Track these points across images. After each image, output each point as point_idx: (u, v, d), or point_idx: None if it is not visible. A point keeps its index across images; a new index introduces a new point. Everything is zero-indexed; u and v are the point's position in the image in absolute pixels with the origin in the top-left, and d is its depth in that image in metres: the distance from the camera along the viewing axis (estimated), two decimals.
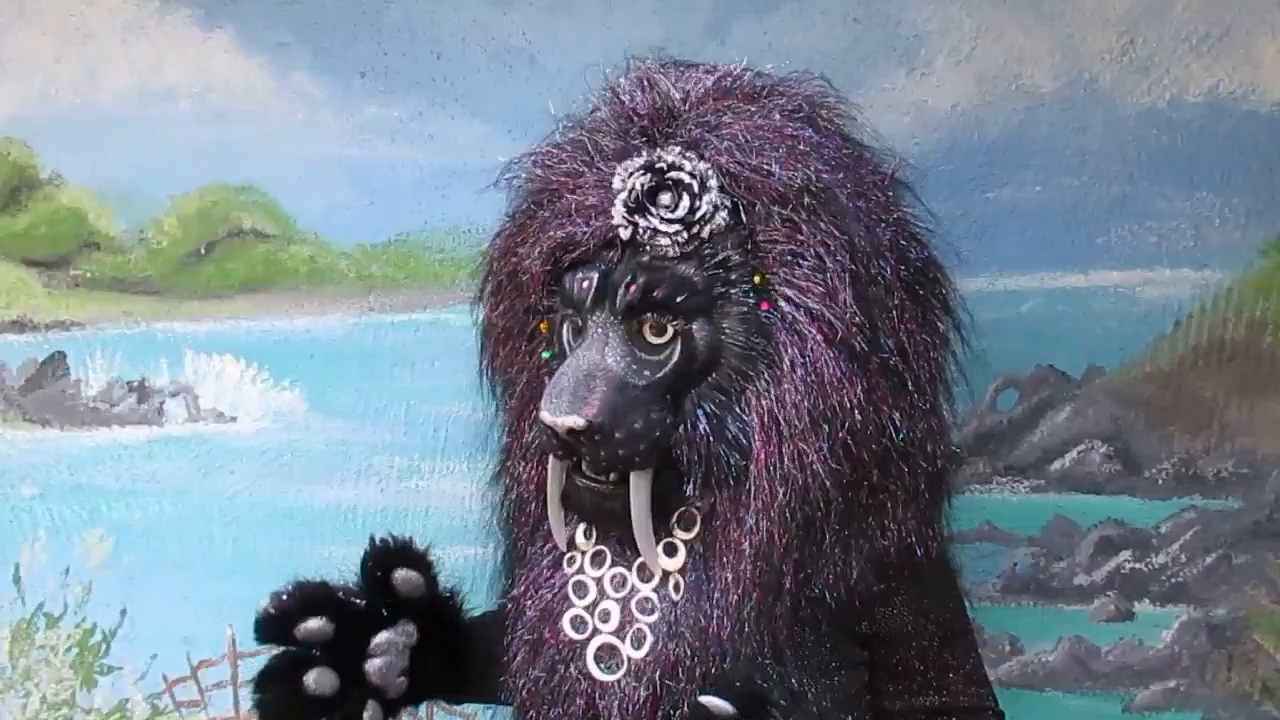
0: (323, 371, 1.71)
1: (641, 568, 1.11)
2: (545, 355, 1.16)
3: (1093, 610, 1.64)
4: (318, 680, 1.10)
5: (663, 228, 1.05)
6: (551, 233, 1.10)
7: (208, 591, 1.70)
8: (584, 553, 1.15)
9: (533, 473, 1.18)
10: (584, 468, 1.10)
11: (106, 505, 1.72)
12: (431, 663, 1.19)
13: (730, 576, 1.07)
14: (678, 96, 1.10)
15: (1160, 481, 1.63)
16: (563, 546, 1.15)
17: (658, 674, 1.08)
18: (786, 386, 1.06)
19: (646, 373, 1.07)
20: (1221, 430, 1.59)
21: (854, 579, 1.11)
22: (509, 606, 1.19)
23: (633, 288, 1.06)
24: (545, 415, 1.04)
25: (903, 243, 1.13)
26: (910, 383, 1.11)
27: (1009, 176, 1.60)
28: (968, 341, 1.21)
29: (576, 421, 1.03)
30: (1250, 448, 1.62)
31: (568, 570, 1.15)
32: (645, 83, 1.12)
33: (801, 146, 1.07)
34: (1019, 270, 1.61)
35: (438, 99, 1.66)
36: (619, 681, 1.09)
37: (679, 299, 1.06)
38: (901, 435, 1.10)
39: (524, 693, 1.14)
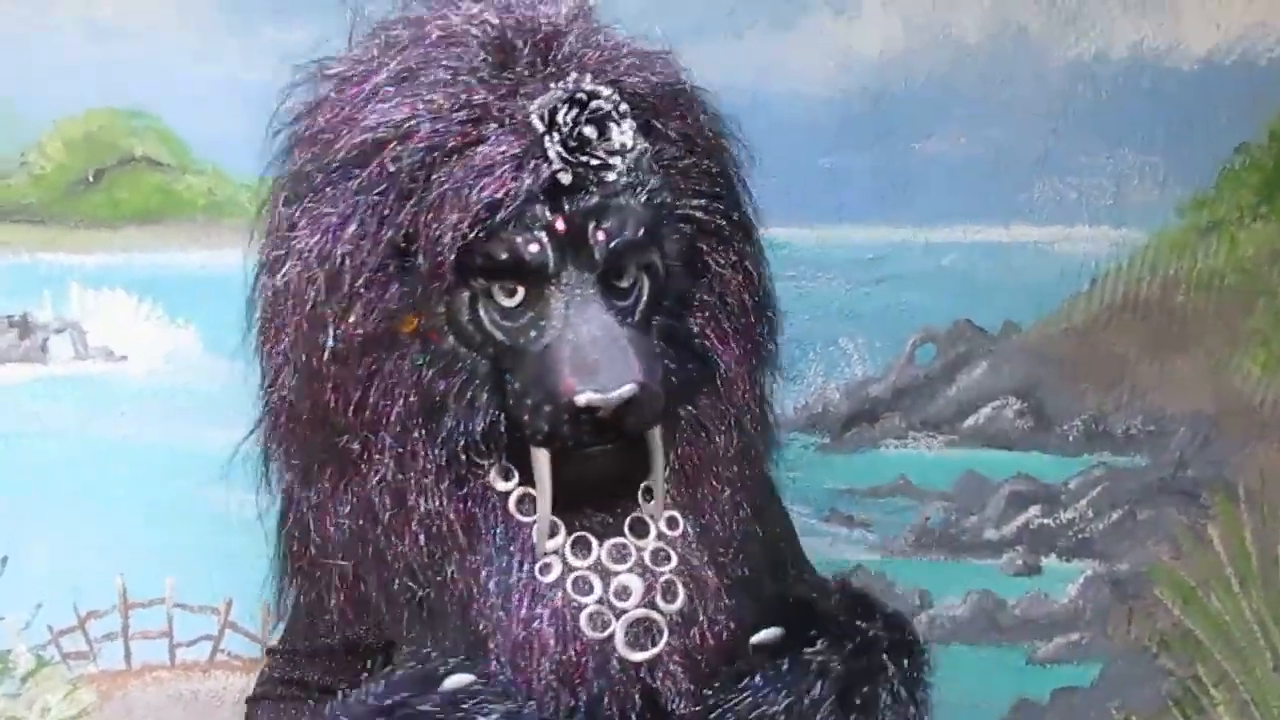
0: (220, 309, 1.61)
1: (633, 526, 1.05)
2: (419, 361, 1.00)
3: (1001, 564, 1.66)
4: None
5: (612, 161, 0.97)
6: (471, 196, 0.94)
7: (96, 538, 1.62)
8: (557, 552, 1.04)
9: (447, 497, 1.02)
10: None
11: None
12: None
13: (717, 485, 1.07)
14: (544, 21, 1.01)
15: (1071, 438, 1.65)
16: (542, 550, 1.03)
17: (706, 609, 1.04)
18: (723, 289, 1.08)
19: (629, 319, 1.01)
20: (1132, 388, 1.61)
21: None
22: (477, 644, 1.03)
23: (601, 234, 0.97)
24: (592, 398, 0.93)
25: None
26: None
27: (934, 127, 1.58)
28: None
29: (632, 390, 0.94)
30: (1159, 405, 1.64)
31: (548, 577, 1.03)
32: (499, 9, 1.02)
33: (661, 57, 1.06)
34: (941, 223, 1.60)
35: (343, 25, 1.57)
36: (666, 650, 1.03)
37: (643, 233, 1.00)
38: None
39: (579, 714, 1.02)
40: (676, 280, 1.05)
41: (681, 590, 1.04)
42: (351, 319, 0.99)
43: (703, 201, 1.06)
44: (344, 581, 1.07)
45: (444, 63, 0.98)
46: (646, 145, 1.01)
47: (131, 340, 1.63)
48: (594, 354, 0.95)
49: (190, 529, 1.61)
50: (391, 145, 0.96)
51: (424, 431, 1.01)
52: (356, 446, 1.02)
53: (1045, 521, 1.65)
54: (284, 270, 1.01)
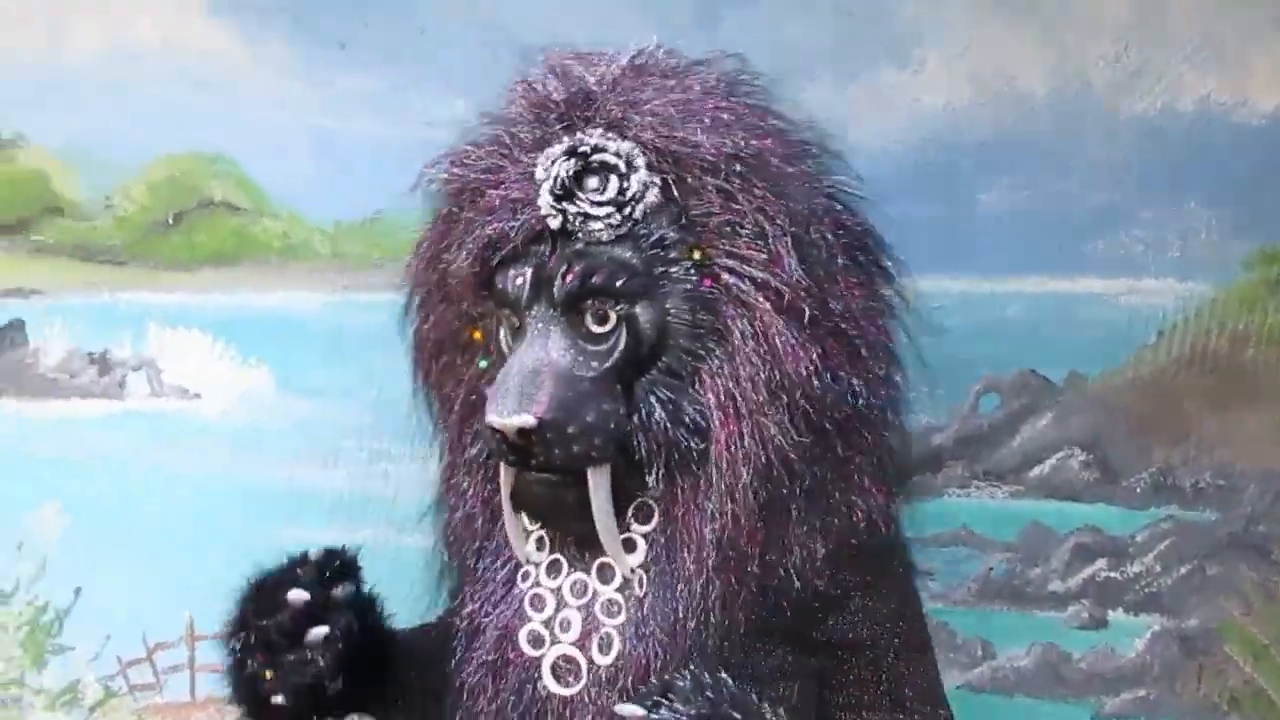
0: (292, 350, 1.67)
1: (601, 570, 1.07)
2: (482, 364, 1.12)
3: (1066, 617, 1.64)
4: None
5: (593, 211, 1.01)
6: (478, 232, 1.05)
7: (166, 572, 1.65)
8: (538, 565, 1.10)
9: (478, 488, 1.14)
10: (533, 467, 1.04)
11: (64, 479, 1.67)
12: (365, 673, 1.15)
13: (694, 567, 1.03)
14: (592, 80, 1.07)
15: (1138, 491, 1.63)
16: (522, 558, 1.10)
17: (629, 678, 1.03)
18: (740, 360, 1.02)
19: (594, 363, 1.02)
20: (1200, 442, 1.59)
21: (819, 562, 1.07)
22: (459, 624, 1.14)
23: (569, 276, 1.02)
24: (493, 419, 0.99)
25: (839, 208, 1.13)
26: (864, 349, 1.08)
27: (999, 179, 1.59)
28: (908, 312, 1.19)
29: (527, 420, 0.98)
30: (1228, 460, 1.62)
31: (523, 585, 1.10)
32: (558, 71, 1.09)
33: (725, 116, 1.04)
34: (1005, 273, 1.60)
35: (419, 75, 1.62)
36: (580, 693, 1.05)
37: (619, 282, 1.02)
38: (862, 401, 1.08)
39: (487, 715, 1.08)
40: (680, 339, 1.04)
41: (616, 647, 1.05)
42: (425, 324, 1.17)
43: (731, 263, 1.03)
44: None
45: (492, 120, 1.11)
46: (662, 198, 1.02)
47: (206, 379, 1.68)
48: (513, 381, 1.00)
49: (258, 564, 1.64)
50: (440, 188, 1.13)
51: (474, 425, 1.12)
52: (441, 425, 1.20)
53: (1112, 575, 1.63)
54: None
